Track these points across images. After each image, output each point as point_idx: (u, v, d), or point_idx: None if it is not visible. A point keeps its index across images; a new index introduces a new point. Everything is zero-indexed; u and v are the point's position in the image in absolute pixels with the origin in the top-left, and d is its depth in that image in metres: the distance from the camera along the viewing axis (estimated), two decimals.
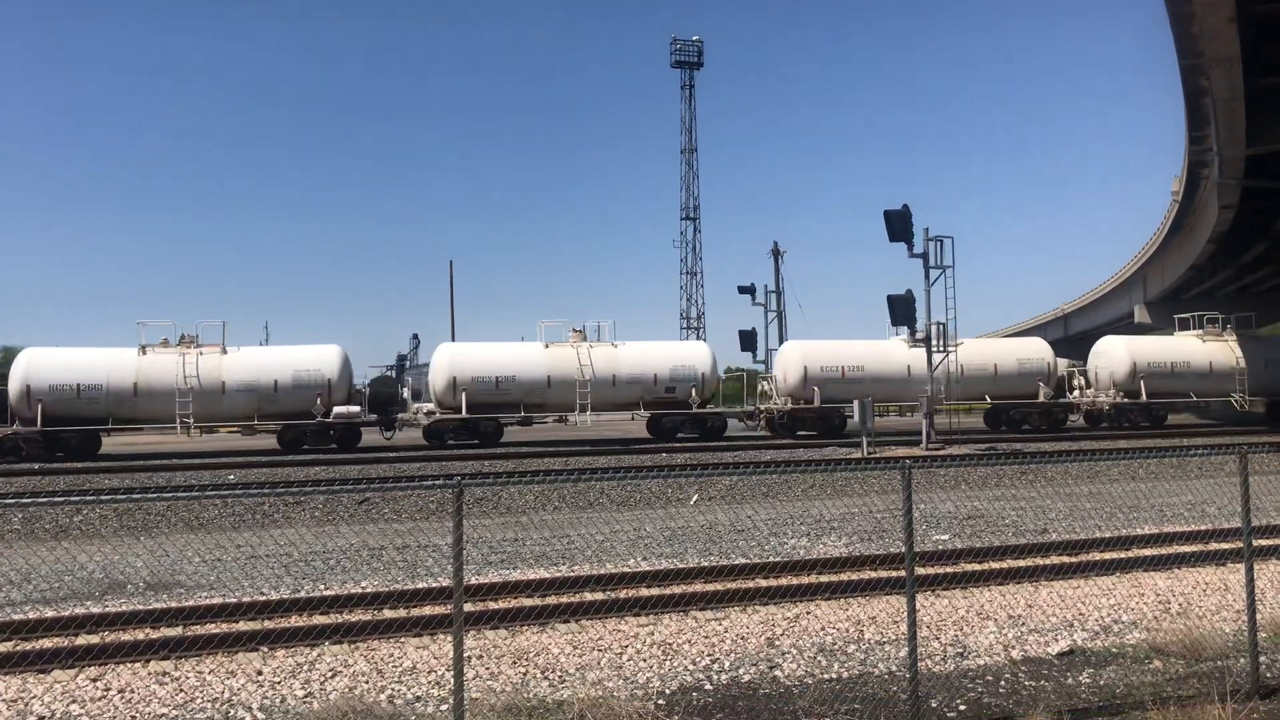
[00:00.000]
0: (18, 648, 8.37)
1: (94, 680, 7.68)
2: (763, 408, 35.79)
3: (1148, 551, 11.98)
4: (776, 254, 58.73)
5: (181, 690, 7.42)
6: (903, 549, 6.61)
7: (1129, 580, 10.77)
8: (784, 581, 10.65)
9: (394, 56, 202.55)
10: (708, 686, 7.40)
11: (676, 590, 10.33)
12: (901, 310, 28.75)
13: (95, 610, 9.82)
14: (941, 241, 29.10)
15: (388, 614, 9.54)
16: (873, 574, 11.04)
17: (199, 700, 7.19)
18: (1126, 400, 36.62)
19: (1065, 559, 11.78)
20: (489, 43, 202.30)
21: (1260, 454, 8.18)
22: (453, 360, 31.95)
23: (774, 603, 9.89)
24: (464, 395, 31.23)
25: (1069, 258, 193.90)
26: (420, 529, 16.11)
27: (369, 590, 10.70)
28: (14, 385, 28.83)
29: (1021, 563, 11.73)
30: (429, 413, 32.26)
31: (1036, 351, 36.56)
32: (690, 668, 7.87)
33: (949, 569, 11.16)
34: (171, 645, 8.37)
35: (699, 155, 75.51)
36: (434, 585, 10.66)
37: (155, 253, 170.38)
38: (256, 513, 17.84)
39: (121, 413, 29.66)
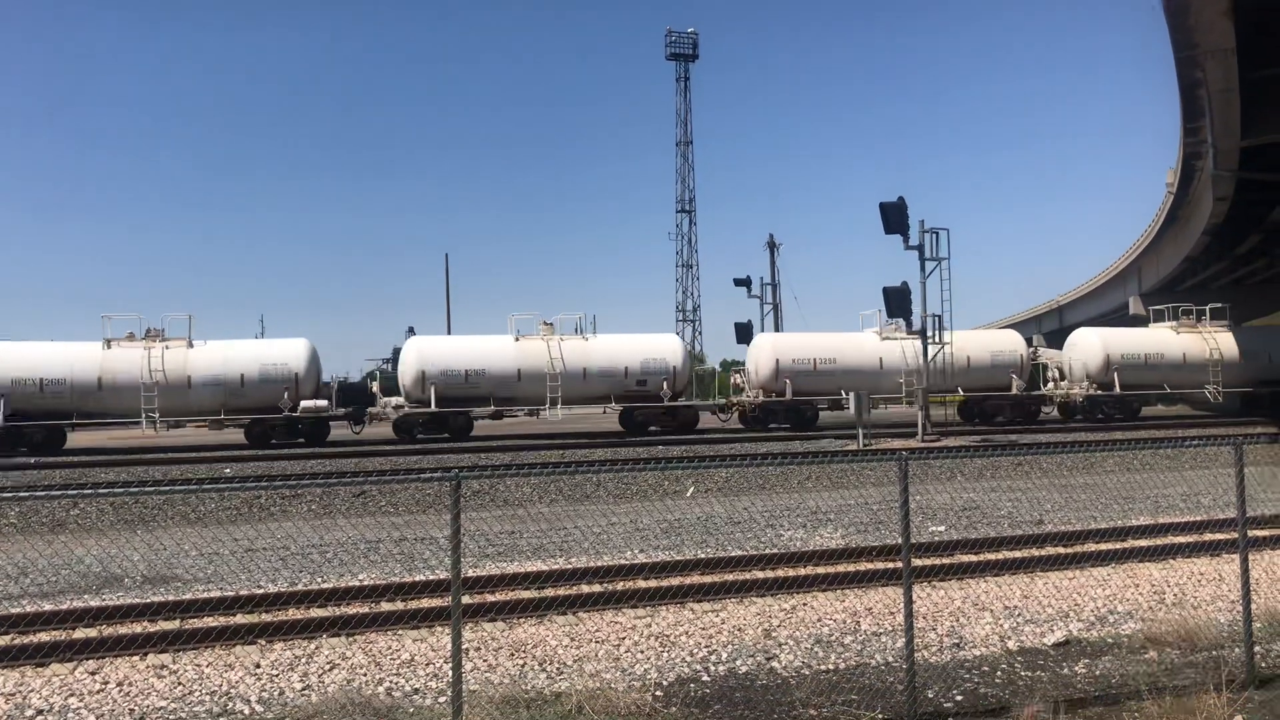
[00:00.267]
0: (15, 641, 8.37)
1: (92, 673, 7.69)
2: (735, 401, 35.77)
3: (1143, 542, 12.01)
4: (772, 246, 58.86)
5: (180, 683, 7.43)
6: (899, 540, 6.63)
7: (1124, 571, 10.82)
8: (781, 573, 10.67)
9: (387, 49, 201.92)
10: (705, 678, 7.42)
11: (673, 582, 10.36)
12: (897, 302, 28.77)
13: (93, 604, 9.83)
14: (937, 234, 29.12)
15: (385, 607, 9.56)
16: (869, 565, 11.09)
17: (197, 693, 7.20)
18: (1100, 392, 36.45)
19: (1061, 550, 11.84)
20: (483, 35, 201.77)
21: (1254, 445, 8.21)
22: (421, 354, 31.69)
23: (771, 594, 9.92)
24: (433, 389, 30.99)
25: (1065, 250, 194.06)
26: (417, 522, 16.13)
27: (366, 583, 10.72)
28: None
29: (1017, 554, 11.75)
30: (397, 407, 32.06)
31: (1009, 344, 36.40)
32: (688, 659, 7.89)
33: (945, 560, 11.21)
34: (169, 638, 8.39)
35: (694, 148, 75.23)
36: (431, 578, 10.68)
37: (144, 247, 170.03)
38: (253, 506, 17.83)
39: (86, 407, 29.34)
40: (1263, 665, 7.17)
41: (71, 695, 7.17)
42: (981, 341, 36.16)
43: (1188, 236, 46.87)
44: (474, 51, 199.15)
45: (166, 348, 29.88)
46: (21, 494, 6.02)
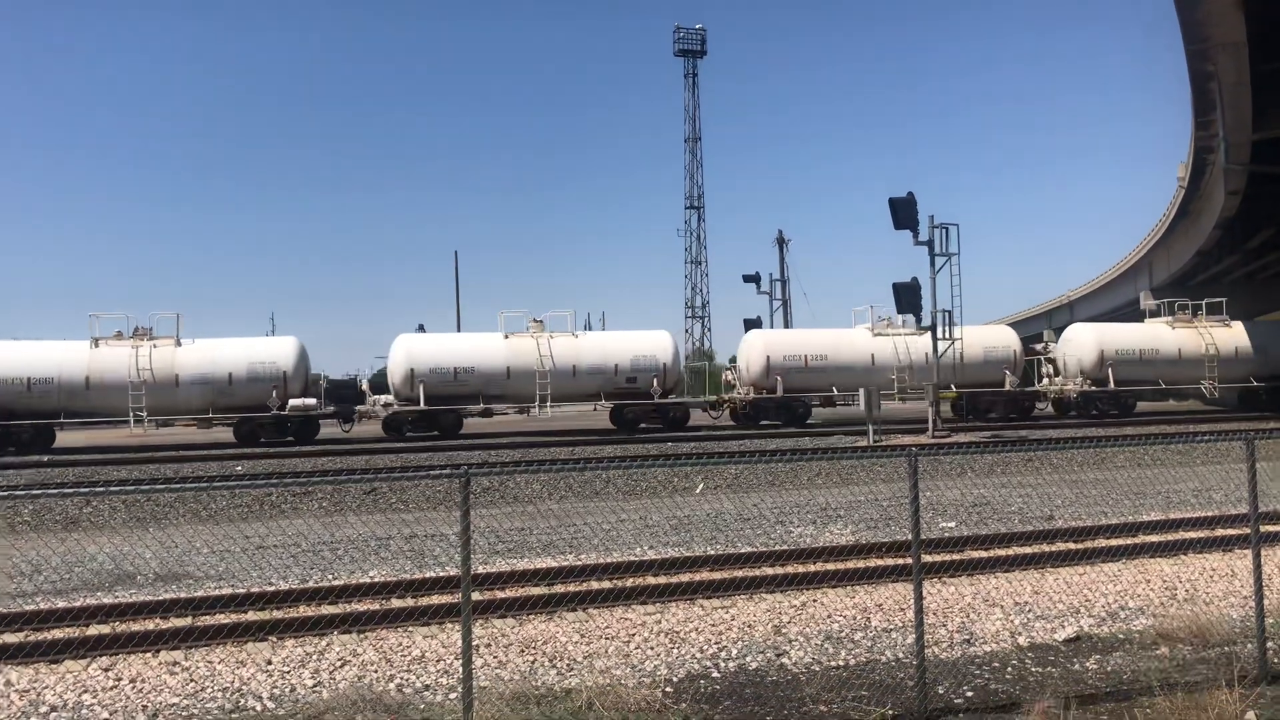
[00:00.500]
0: (30, 638, 8.43)
1: (105, 670, 7.74)
2: (727, 397, 35.65)
3: (1154, 538, 11.97)
4: (781, 242, 58.83)
5: (192, 680, 7.47)
6: (909, 536, 6.62)
7: (1135, 566, 10.79)
8: (791, 569, 10.66)
9: (396, 46, 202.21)
10: (715, 674, 7.43)
11: (683, 579, 10.37)
12: (907, 298, 28.74)
13: (106, 601, 9.88)
14: (946, 229, 29.12)
15: (395, 603, 9.58)
16: (879, 562, 11.08)
17: (209, 690, 7.24)
18: (1094, 388, 36.16)
19: (1071, 546, 11.81)
20: (492, 33, 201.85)
21: (1266, 440, 8.17)
22: (410, 352, 31.62)
23: (781, 590, 9.91)
24: (422, 387, 30.96)
25: (1077, 245, 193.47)
26: (428, 518, 16.17)
27: (377, 580, 10.75)
28: None
29: (1028, 550, 11.75)
30: (386, 404, 32.01)
31: (1002, 340, 36.15)
32: (698, 655, 7.90)
33: (955, 556, 11.19)
34: (181, 635, 8.43)
35: (703, 144, 75.29)
36: (441, 574, 10.71)
37: (152, 247, 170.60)
38: (264, 503, 17.89)
39: (74, 406, 29.35)
40: (1275, 661, 7.14)
41: (85, 692, 7.22)
42: (975, 337, 35.81)
43: (1199, 231, 46.67)
44: (482, 49, 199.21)
45: (154, 346, 29.86)
46: (34, 492, 6.05)
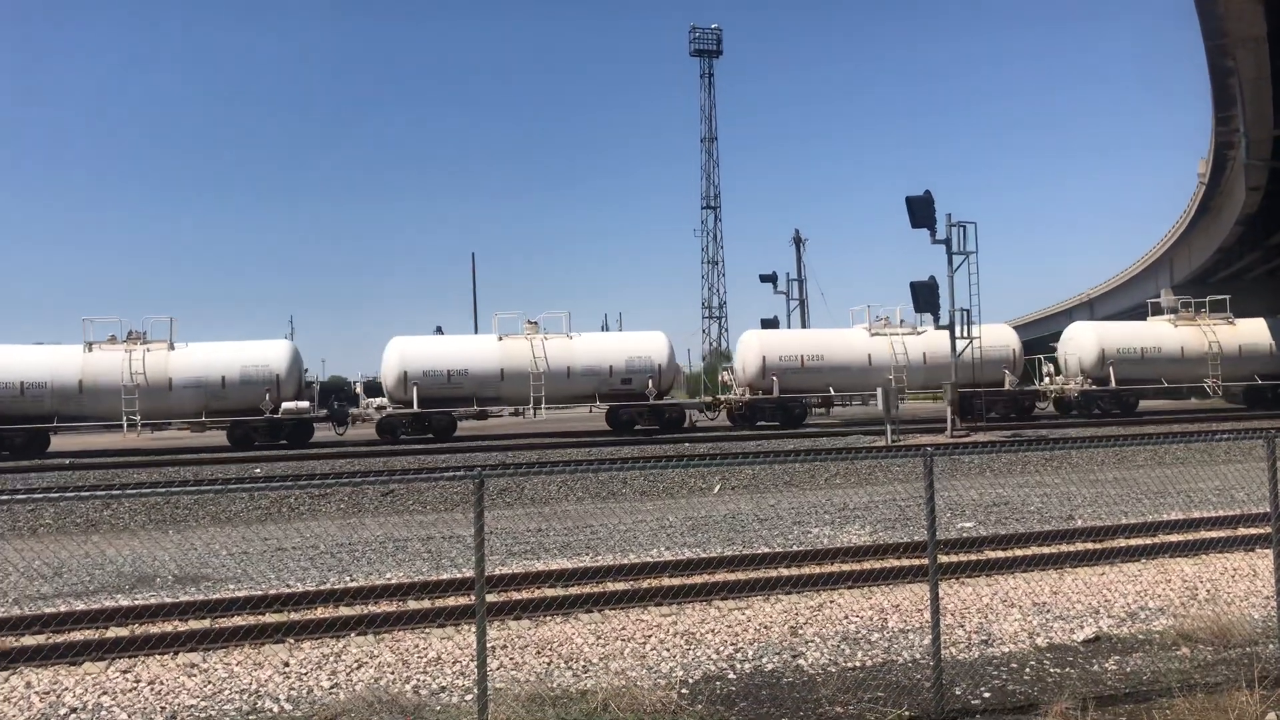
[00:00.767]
0: (50, 640, 8.49)
1: (124, 672, 7.78)
2: (723, 398, 35.44)
3: (1175, 537, 11.87)
4: (798, 242, 58.68)
5: (210, 682, 7.50)
6: (926, 537, 6.59)
7: (1156, 566, 10.70)
8: (807, 570, 10.63)
9: (412, 47, 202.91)
10: (731, 675, 7.41)
11: (699, 580, 10.35)
12: (925, 297, 28.59)
13: (125, 603, 9.94)
14: (964, 227, 28.95)
15: (412, 605, 9.61)
16: (896, 562, 11.03)
17: (227, 691, 7.27)
18: (1095, 387, 35.79)
19: (1091, 545, 11.72)
20: (507, 35, 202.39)
21: None
22: (403, 354, 31.59)
23: (797, 591, 9.88)
24: (415, 389, 30.95)
25: (1097, 242, 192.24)
26: (444, 520, 16.21)
27: (394, 582, 10.77)
28: None
29: (1046, 549, 11.66)
30: (380, 407, 32.00)
31: (1001, 339, 35.78)
32: (714, 657, 7.88)
33: (973, 556, 11.12)
34: (199, 637, 8.48)
35: (719, 144, 75.21)
36: (458, 576, 10.72)
37: (166, 248, 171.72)
38: (283, 506, 17.98)
39: (67, 411, 29.49)
40: None
41: (104, 694, 7.26)
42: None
43: (1220, 227, 46.35)
44: (498, 51, 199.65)
45: (148, 350, 29.97)
46: (53, 494, 6.10)
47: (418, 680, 7.46)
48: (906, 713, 6.37)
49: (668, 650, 8.10)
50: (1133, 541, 11.70)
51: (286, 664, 7.92)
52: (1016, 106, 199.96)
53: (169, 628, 8.93)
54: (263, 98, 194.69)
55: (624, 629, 8.75)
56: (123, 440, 32.22)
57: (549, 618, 9.16)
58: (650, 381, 32.41)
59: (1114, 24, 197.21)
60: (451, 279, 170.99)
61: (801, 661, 7.72)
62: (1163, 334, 37.05)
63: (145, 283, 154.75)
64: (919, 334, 34.81)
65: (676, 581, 10.31)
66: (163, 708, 6.96)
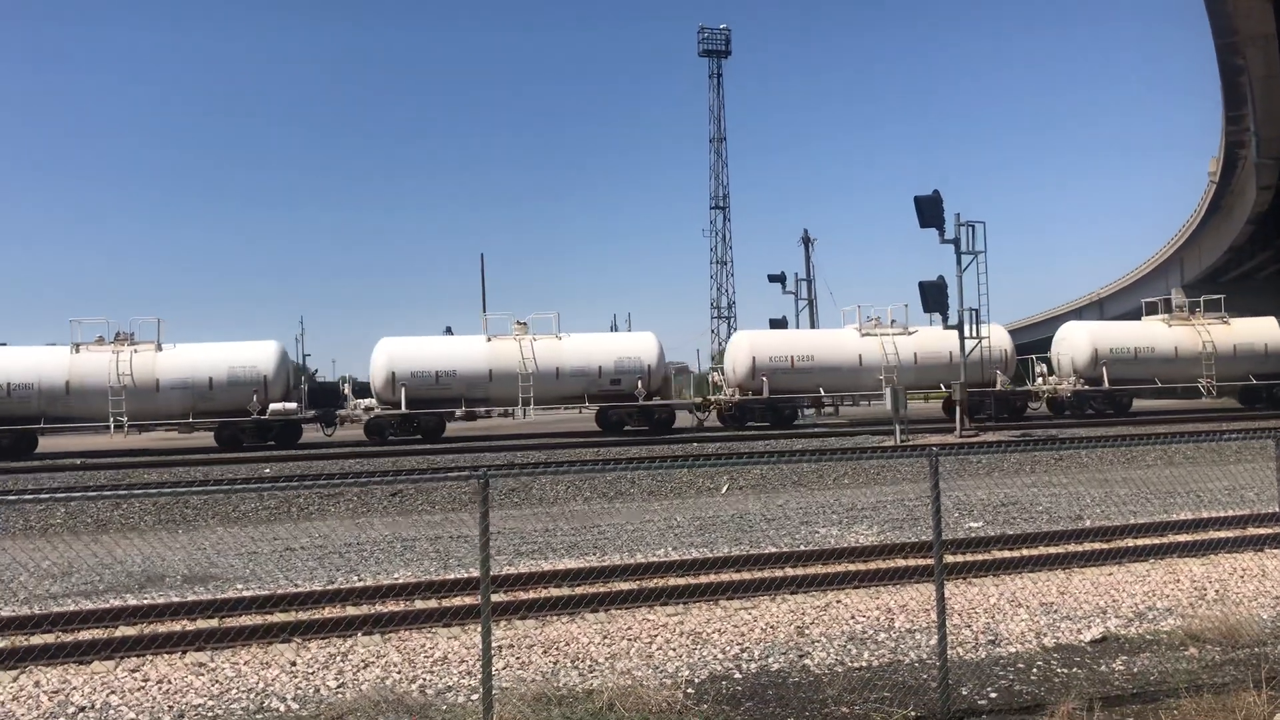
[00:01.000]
0: (58, 640, 8.53)
1: (132, 671, 7.81)
2: (714, 399, 35.33)
3: (1184, 537, 11.82)
4: (807, 242, 58.60)
5: (217, 681, 7.53)
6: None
7: (1164, 566, 10.66)
8: (814, 570, 10.62)
9: (422, 50, 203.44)
10: (737, 675, 7.40)
11: (706, 580, 10.35)
12: (933, 297, 28.55)
13: (134, 603, 9.98)
14: (973, 227, 28.88)
15: (420, 605, 9.63)
16: (904, 562, 11.01)
17: (234, 691, 7.29)
18: (1088, 387, 35.55)
19: (1099, 545, 11.68)
20: (517, 36, 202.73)
21: None
22: (391, 355, 31.49)
23: (804, 591, 9.86)
24: (403, 390, 30.86)
25: (1107, 241, 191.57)
26: (452, 520, 16.24)
27: (402, 581, 10.79)
28: None
29: (1054, 549, 11.63)
30: (368, 409, 31.94)
31: (994, 339, 35.42)
32: (720, 657, 7.88)
33: (981, 556, 11.10)
34: (206, 636, 8.51)
35: (728, 144, 75.02)
36: (465, 576, 10.74)
37: (175, 247, 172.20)
38: (291, 506, 18.02)
39: (54, 412, 29.48)
40: None
41: (112, 693, 7.29)
42: None
43: (1231, 226, 46.17)
44: (507, 53, 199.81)
45: (135, 351, 29.96)
46: (59, 494, 6.12)
47: (424, 680, 7.47)
48: (912, 713, 6.36)
49: (674, 650, 8.10)
50: (1141, 541, 11.66)
51: (293, 663, 7.94)
52: (1024, 107, 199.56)
53: (177, 627, 8.97)
54: (275, 103, 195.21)
55: (630, 629, 8.75)
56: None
57: (556, 617, 9.17)
58: (640, 382, 32.27)
59: (1123, 24, 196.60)
60: (462, 280, 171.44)
61: (808, 661, 7.71)
62: (1156, 334, 36.84)
63: (160, 286, 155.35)
64: (910, 334, 34.71)
65: (683, 581, 10.30)
66: (170, 706, 6.98)
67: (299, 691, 7.26)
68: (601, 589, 10.02)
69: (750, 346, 34.20)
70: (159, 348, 30.47)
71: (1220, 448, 22.28)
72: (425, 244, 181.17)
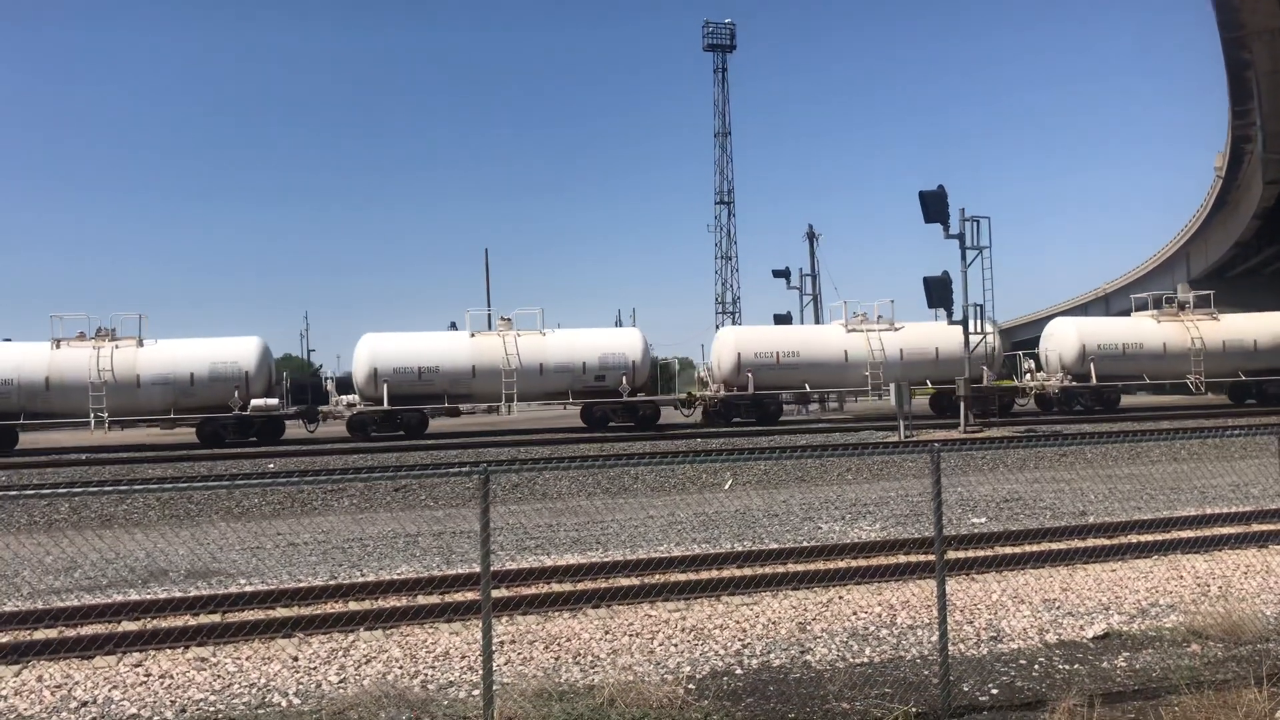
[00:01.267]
0: (62, 634, 8.56)
1: (135, 666, 7.83)
2: (699, 395, 35.20)
3: (1188, 533, 11.81)
4: (811, 237, 58.48)
5: (219, 676, 7.54)
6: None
7: (1168, 563, 10.63)
8: (817, 566, 10.62)
9: (426, 46, 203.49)
10: (738, 671, 7.40)
11: (708, 575, 10.34)
12: (938, 292, 28.48)
13: (135, 597, 10.01)
14: (978, 222, 28.81)
15: (422, 600, 9.64)
16: (906, 558, 10.99)
17: (236, 686, 7.31)
18: (1075, 384, 35.37)
19: (1103, 541, 11.65)
20: (522, 32, 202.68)
21: None
22: (373, 351, 31.36)
23: (806, 587, 9.86)
24: (385, 386, 30.75)
25: (1114, 236, 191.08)
26: (457, 515, 16.25)
27: (404, 576, 10.80)
28: None
29: (1058, 545, 11.61)
30: (350, 404, 31.82)
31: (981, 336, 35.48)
32: (721, 653, 7.87)
33: (984, 552, 11.09)
34: (209, 631, 8.52)
35: (732, 140, 74.82)
36: (468, 571, 10.74)
37: (179, 244, 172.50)
38: (295, 500, 18.05)
39: (34, 408, 29.42)
40: None
41: (115, 688, 7.31)
42: (951, 333, 34.98)
43: (1237, 221, 46.03)
44: (511, 49, 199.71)
45: (116, 347, 29.87)
46: (60, 489, 6.13)
47: (426, 675, 7.48)
48: (913, 709, 6.35)
49: (675, 646, 8.10)
50: (1145, 537, 11.63)
51: (295, 658, 7.95)
52: (1031, 102, 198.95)
53: (180, 622, 8.99)
54: (277, 102, 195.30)
55: (632, 624, 8.75)
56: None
57: (558, 613, 9.17)
58: (624, 378, 32.08)
59: (1130, 18, 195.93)
60: (466, 276, 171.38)
61: (809, 657, 7.71)
62: (1145, 330, 36.66)
63: (161, 286, 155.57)
64: (896, 330, 34.60)
65: (685, 577, 10.30)
66: (172, 701, 7.00)
67: (301, 686, 7.27)
68: (604, 584, 10.03)
69: (735, 342, 34.07)
70: (140, 343, 30.35)
71: (1225, 444, 22.23)
72: (430, 240, 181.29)
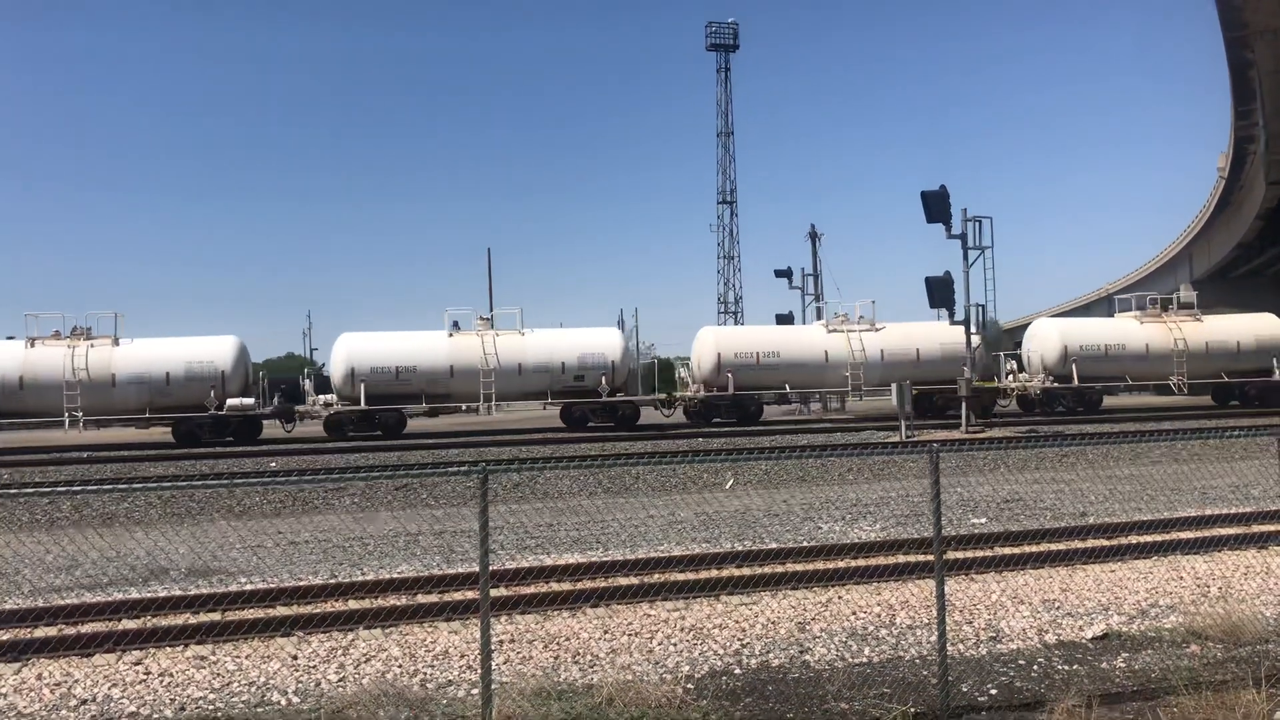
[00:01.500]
0: (61, 632, 8.57)
1: (135, 664, 7.84)
2: (679, 395, 35.13)
3: (1187, 534, 11.80)
4: (814, 237, 58.38)
5: (219, 674, 7.55)
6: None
7: (1168, 563, 10.62)
8: (816, 566, 10.62)
9: (425, 44, 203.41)
10: (737, 671, 7.40)
11: (708, 575, 10.34)
12: (940, 292, 28.50)
13: (137, 596, 10.02)
14: (980, 222, 28.86)
15: (422, 599, 9.64)
16: (906, 558, 10.98)
17: (235, 684, 7.31)
18: (1056, 385, 35.29)
19: (1103, 542, 11.65)
20: (524, 30, 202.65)
21: None
22: (350, 351, 31.28)
23: (806, 587, 9.86)
24: (363, 386, 30.67)
25: (1118, 236, 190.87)
26: (458, 514, 16.25)
27: (404, 575, 10.81)
28: None
29: (1058, 546, 11.61)
30: (327, 404, 31.72)
31: (960, 336, 35.15)
32: (720, 652, 7.88)
33: (984, 553, 11.09)
34: (208, 630, 8.53)
35: (735, 139, 74.73)
36: (468, 570, 10.74)
37: (180, 241, 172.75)
38: (297, 499, 18.07)
39: (8, 407, 29.42)
40: None
41: (114, 686, 7.31)
42: (932, 333, 34.98)
43: (1240, 222, 46.00)
44: (514, 47, 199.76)
45: (91, 346, 29.81)
46: (59, 488, 6.14)
47: (425, 674, 7.49)
48: (912, 709, 6.35)
49: (674, 645, 8.11)
50: (1145, 538, 11.62)
51: (295, 657, 7.96)
52: (1031, 102, 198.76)
53: (180, 621, 9.00)
54: (278, 100, 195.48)
55: (631, 624, 8.76)
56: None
57: (557, 612, 9.18)
58: (603, 378, 31.99)
59: (1132, 18, 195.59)
60: (469, 276, 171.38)
61: (808, 657, 7.71)
62: (1127, 331, 36.59)
63: (163, 284, 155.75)
64: (877, 331, 34.56)
65: (685, 577, 10.30)
66: (171, 699, 7.01)
67: (300, 685, 7.28)
68: (603, 584, 10.03)
69: (715, 343, 34.00)
70: (116, 342, 30.26)
71: (1226, 445, 22.21)
72: (431, 240, 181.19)
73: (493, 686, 6.09)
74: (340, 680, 7.38)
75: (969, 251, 28.58)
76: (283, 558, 12.58)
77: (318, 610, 9.20)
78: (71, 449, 29.19)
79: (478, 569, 10.53)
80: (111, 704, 6.95)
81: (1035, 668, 7.26)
